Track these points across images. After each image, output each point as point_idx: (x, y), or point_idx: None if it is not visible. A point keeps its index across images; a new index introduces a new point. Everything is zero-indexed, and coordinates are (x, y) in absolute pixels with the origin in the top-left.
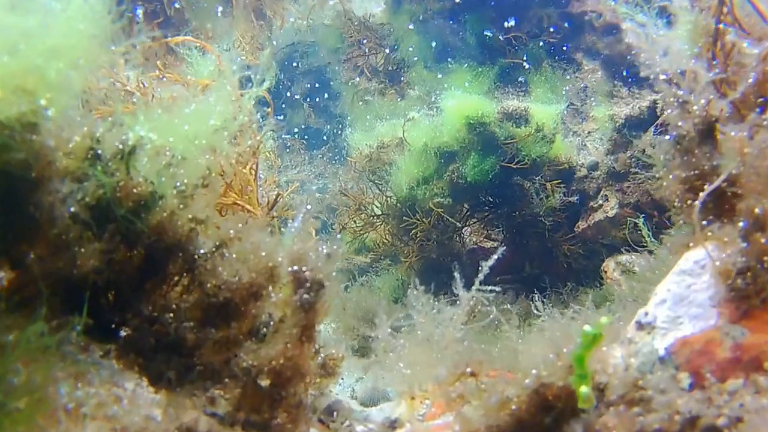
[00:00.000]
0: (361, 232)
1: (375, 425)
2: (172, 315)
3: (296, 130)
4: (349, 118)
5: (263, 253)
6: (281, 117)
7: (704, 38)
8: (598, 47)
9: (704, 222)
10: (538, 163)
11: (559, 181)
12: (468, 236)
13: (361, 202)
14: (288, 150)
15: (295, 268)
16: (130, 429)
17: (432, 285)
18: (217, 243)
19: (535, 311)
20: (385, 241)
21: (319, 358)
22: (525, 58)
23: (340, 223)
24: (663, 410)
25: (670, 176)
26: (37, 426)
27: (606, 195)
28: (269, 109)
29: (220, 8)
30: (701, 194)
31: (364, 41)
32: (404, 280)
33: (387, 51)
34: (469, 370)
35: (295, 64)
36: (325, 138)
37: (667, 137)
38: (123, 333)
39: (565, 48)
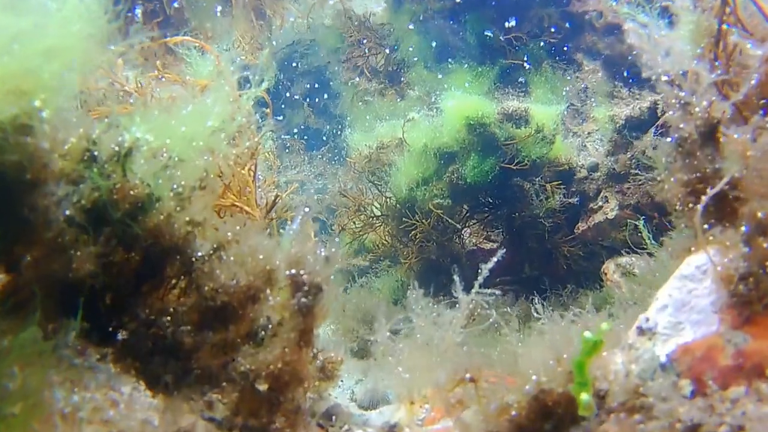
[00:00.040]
0: (361, 233)
1: (374, 430)
2: (169, 318)
3: (295, 130)
4: (348, 118)
5: (261, 256)
6: (280, 117)
7: (706, 39)
8: (598, 47)
9: (706, 226)
10: (537, 164)
11: (559, 182)
12: (468, 237)
13: (360, 203)
14: (287, 150)
15: (293, 271)
16: None
17: (431, 286)
18: (215, 246)
19: (535, 314)
20: (384, 242)
21: (318, 361)
22: (525, 59)
23: (339, 224)
24: (664, 418)
25: (672, 179)
26: (33, 431)
27: (606, 196)
28: (268, 110)
29: (219, 8)
30: (703, 198)
31: (364, 41)
32: (404, 281)
33: (387, 51)
34: (468, 376)
35: (294, 65)
36: (324, 138)
37: (669, 139)
38: (120, 336)
39: (566, 48)
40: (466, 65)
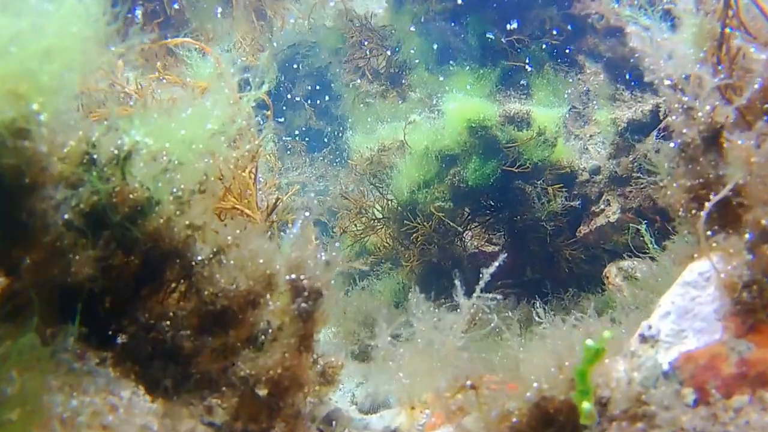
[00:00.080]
0: (362, 235)
1: None
2: (168, 323)
3: (297, 132)
4: (349, 120)
5: (261, 261)
6: (282, 119)
7: (709, 42)
8: (600, 50)
9: (709, 232)
10: (539, 167)
11: (561, 185)
12: (469, 240)
13: (361, 206)
14: (289, 152)
15: (293, 276)
16: None
17: (433, 289)
18: (215, 250)
19: (537, 318)
20: (385, 244)
21: (318, 366)
22: (527, 61)
23: (340, 226)
24: (667, 427)
25: (674, 184)
26: None
27: (608, 200)
28: (269, 112)
29: (220, 9)
30: (707, 205)
31: (365, 43)
32: (405, 283)
33: (388, 53)
34: (469, 383)
35: (295, 66)
36: (325, 140)
37: (671, 144)
38: (120, 340)
39: (568, 51)
40: (467, 67)
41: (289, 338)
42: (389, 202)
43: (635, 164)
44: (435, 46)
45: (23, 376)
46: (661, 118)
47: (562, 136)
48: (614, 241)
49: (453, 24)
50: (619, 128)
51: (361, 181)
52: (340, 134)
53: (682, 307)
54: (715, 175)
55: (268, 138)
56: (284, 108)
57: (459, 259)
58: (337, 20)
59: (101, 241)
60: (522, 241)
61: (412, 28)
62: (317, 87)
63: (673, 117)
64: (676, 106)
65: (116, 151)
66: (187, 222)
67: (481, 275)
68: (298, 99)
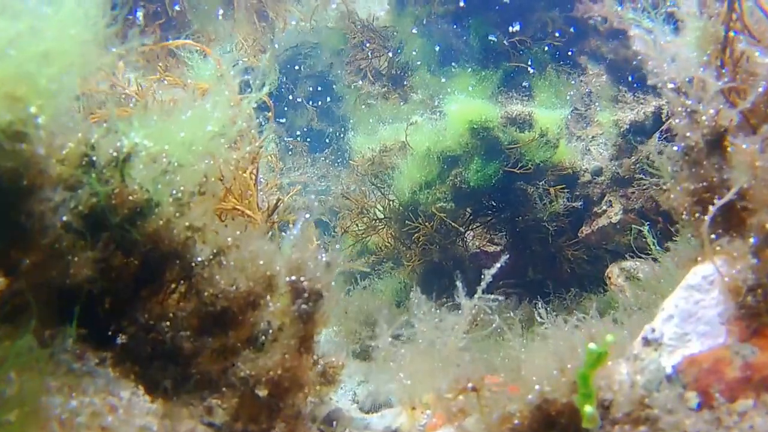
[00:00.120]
0: (363, 235)
1: None
2: (168, 323)
3: (298, 133)
4: (351, 121)
5: (261, 262)
6: (283, 120)
7: (713, 45)
8: (602, 51)
9: (713, 236)
10: (541, 168)
11: (563, 186)
12: (471, 240)
13: (363, 206)
14: (290, 152)
15: (293, 278)
16: None
17: (434, 289)
18: (215, 251)
19: (539, 318)
20: (387, 244)
21: (319, 366)
22: (529, 63)
23: (342, 226)
24: (670, 430)
25: (678, 188)
26: None
27: (610, 201)
28: (270, 114)
29: (221, 11)
30: (711, 208)
31: (367, 44)
32: (406, 283)
33: (390, 54)
34: (470, 385)
35: (297, 67)
36: (327, 141)
37: (675, 148)
38: (120, 340)
39: (570, 53)
40: (469, 69)
41: (290, 339)
42: (391, 202)
43: (637, 165)
44: (437, 48)
45: (21, 377)
46: (664, 119)
47: (564, 137)
48: (616, 241)
49: (455, 26)
50: (622, 130)
51: (363, 182)
52: (342, 135)
53: (686, 311)
54: (719, 178)
55: (269, 139)
56: (286, 108)
57: (460, 259)
58: (339, 21)
59: (100, 243)
60: (524, 241)
61: (414, 30)
62: (319, 88)
63: (677, 120)
64: (680, 109)
65: (115, 153)
66: (186, 223)
67: (482, 276)
68: (299, 100)
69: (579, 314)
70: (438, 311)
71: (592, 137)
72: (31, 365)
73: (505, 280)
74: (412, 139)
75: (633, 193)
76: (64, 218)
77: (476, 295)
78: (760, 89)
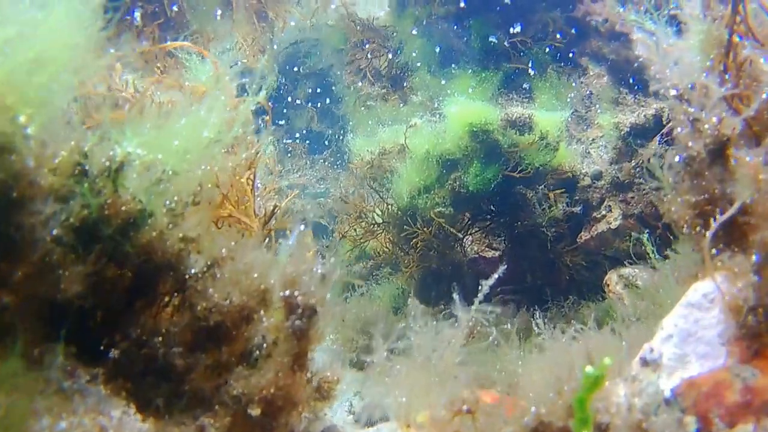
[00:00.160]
0: (361, 240)
1: None
2: (161, 339)
3: (297, 135)
4: (351, 123)
5: (255, 275)
6: (282, 122)
7: (716, 49)
8: (604, 52)
9: (714, 251)
10: (541, 172)
11: (563, 190)
12: (469, 245)
13: (361, 210)
14: (289, 154)
15: (287, 293)
16: None
17: (432, 294)
18: (209, 263)
19: (536, 328)
20: (385, 249)
21: (314, 382)
22: (530, 64)
23: (340, 231)
24: None
25: (679, 200)
26: None
27: (609, 205)
28: (267, 117)
29: (219, 11)
30: (713, 224)
31: (367, 45)
32: (404, 288)
33: (390, 56)
34: (466, 407)
35: (296, 69)
36: (326, 143)
37: (676, 159)
38: (112, 354)
39: (571, 54)
40: (469, 71)
41: (283, 356)
42: (389, 206)
43: (637, 170)
44: (437, 49)
45: (8, 399)
46: (665, 123)
47: (564, 140)
48: (615, 247)
49: (456, 27)
50: (622, 133)
51: (362, 185)
52: (342, 136)
53: (685, 330)
54: (720, 190)
55: (267, 142)
56: (285, 110)
57: (459, 264)
58: (339, 21)
59: (92, 256)
60: (522, 246)
61: (414, 31)
62: (318, 90)
63: (679, 129)
64: (682, 117)
65: (108, 163)
66: (180, 235)
67: (480, 285)
68: (299, 102)
69: (577, 324)
70: (435, 323)
71: (592, 140)
72: (20, 385)
73: (503, 286)
74: (412, 141)
75: (633, 197)
76: (55, 232)
77: (473, 307)
78: (765, 95)
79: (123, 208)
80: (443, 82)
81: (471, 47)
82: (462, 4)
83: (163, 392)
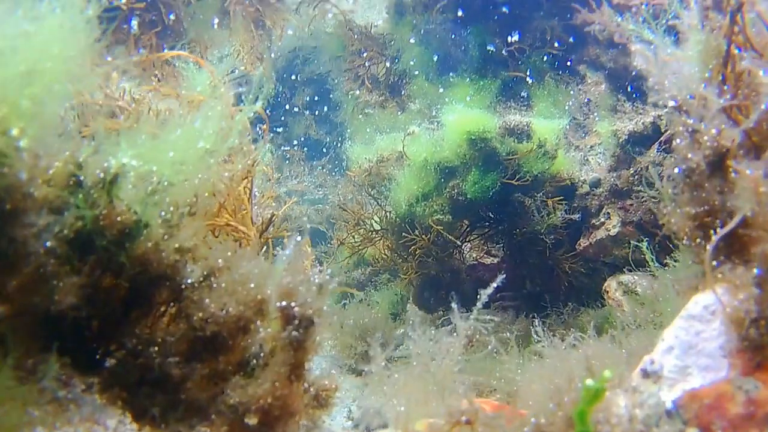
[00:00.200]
0: (360, 247)
1: None
2: (157, 348)
3: (296, 142)
4: (349, 130)
5: (252, 285)
6: (280, 129)
7: (715, 60)
8: (602, 60)
9: (714, 263)
10: (539, 180)
11: (561, 197)
12: (468, 252)
13: (359, 217)
14: (288, 161)
15: (284, 303)
16: None
17: (431, 301)
18: (206, 272)
19: (536, 336)
20: (384, 256)
21: (312, 390)
22: (528, 72)
23: (338, 238)
24: None
25: (678, 212)
26: None
27: (608, 212)
28: (265, 126)
29: (217, 20)
30: (713, 236)
31: (365, 53)
32: (403, 295)
33: (388, 64)
34: (464, 418)
35: (295, 75)
36: (324, 150)
37: (676, 170)
38: (108, 364)
39: (569, 63)
40: (467, 79)
41: (280, 366)
42: (387, 213)
43: (636, 177)
44: (435, 57)
45: (1, 410)
46: (663, 131)
47: (562, 147)
48: (614, 254)
49: (453, 35)
50: (620, 140)
51: (360, 192)
52: (340, 143)
53: (687, 342)
54: (720, 201)
55: (264, 150)
56: (282, 118)
57: (457, 271)
58: (338, 29)
59: (86, 267)
60: (521, 253)
61: (412, 40)
62: (316, 97)
63: (678, 141)
64: (681, 129)
65: (102, 175)
66: (176, 245)
67: (478, 294)
68: (296, 109)
69: (576, 332)
70: (433, 332)
71: (591, 147)
72: (12, 396)
73: (502, 293)
74: (410, 149)
75: (631, 205)
76: (48, 244)
77: (472, 316)
78: (764, 106)
79: (118, 218)
80: (441, 90)
81: (469, 55)
82: (460, 13)
83: (159, 402)
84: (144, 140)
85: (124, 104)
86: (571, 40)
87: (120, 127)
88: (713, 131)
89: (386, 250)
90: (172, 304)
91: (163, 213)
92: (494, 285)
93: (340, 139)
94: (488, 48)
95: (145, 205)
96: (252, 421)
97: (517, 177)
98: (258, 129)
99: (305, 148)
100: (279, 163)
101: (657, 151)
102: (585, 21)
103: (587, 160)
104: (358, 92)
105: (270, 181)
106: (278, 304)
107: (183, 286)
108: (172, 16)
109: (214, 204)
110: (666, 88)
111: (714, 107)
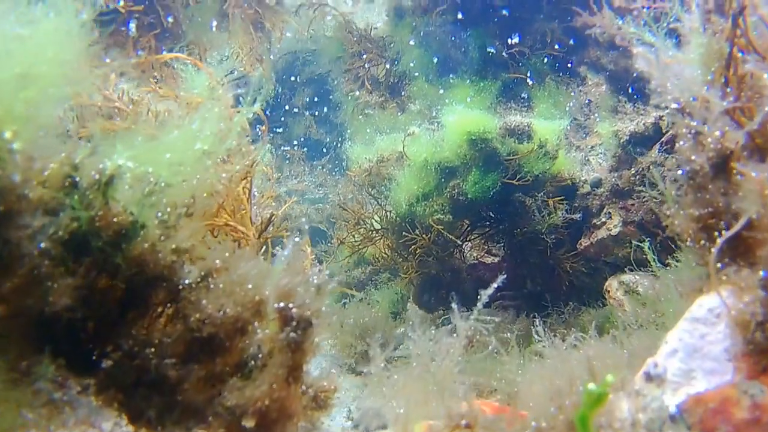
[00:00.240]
0: (360, 246)
1: None
2: (153, 350)
3: (295, 142)
4: (349, 131)
5: (250, 286)
6: (280, 129)
7: (717, 62)
8: (602, 62)
9: (719, 265)
10: (540, 180)
11: (562, 197)
12: (468, 251)
13: (360, 217)
14: (288, 161)
15: (282, 305)
16: None
17: (432, 300)
18: (203, 274)
19: (536, 336)
20: (384, 255)
21: (311, 391)
22: (528, 74)
23: (338, 237)
24: None
25: (682, 213)
26: None
27: (609, 212)
28: (264, 127)
29: (215, 22)
30: (718, 239)
31: (364, 55)
32: (403, 294)
33: (388, 66)
34: (464, 422)
35: (295, 76)
36: (324, 150)
37: (680, 172)
38: (104, 365)
39: (570, 64)
40: (468, 80)
41: (278, 369)
42: (388, 213)
43: (637, 177)
44: (435, 59)
45: None
46: (664, 131)
47: (563, 148)
48: (615, 254)
49: (453, 37)
50: (621, 141)
51: (360, 192)
52: (340, 143)
53: (691, 345)
54: (724, 203)
55: (264, 150)
56: (282, 119)
57: (458, 270)
58: (338, 31)
59: (82, 268)
60: (522, 253)
61: (412, 42)
62: (316, 98)
63: (681, 143)
64: (684, 131)
65: (98, 176)
66: (173, 246)
67: (479, 293)
68: (296, 109)
69: (577, 331)
70: (433, 331)
71: (591, 147)
72: (6, 398)
73: (502, 292)
74: (410, 149)
75: (633, 205)
76: (42, 245)
77: (472, 316)
78: (767, 108)
79: (114, 220)
80: (441, 91)
81: (469, 57)
82: (460, 15)
83: (156, 404)
84: (140, 142)
85: (122, 106)
86: (571, 42)
87: (117, 129)
88: (717, 133)
89: (386, 250)
90: (169, 305)
91: (159, 214)
92: (495, 285)
93: (340, 139)
94: (488, 50)
95: (142, 206)
96: (249, 423)
97: (517, 177)
98: (257, 130)
99: (305, 148)
100: (279, 163)
101: (658, 152)
102: (585, 24)
103: (588, 160)
104: (358, 93)
105: (270, 180)
106: (276, 305)
107: (180, 287)
108: (170, 19)
109: (212, 204)
110: (668, 90)
111: (717, 109)
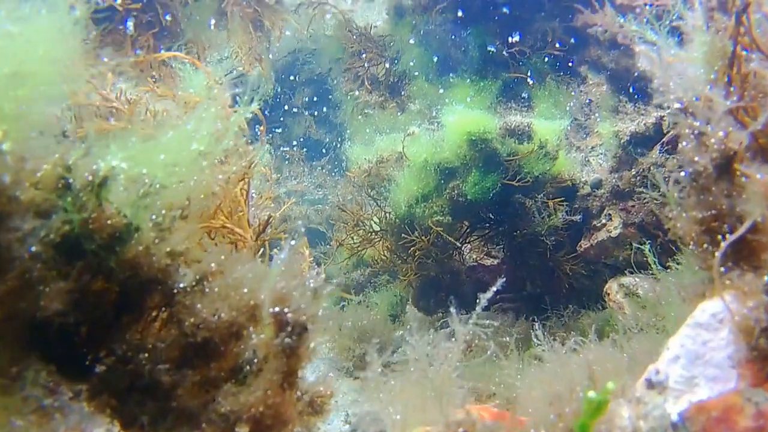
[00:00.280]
0: (359, 248)
1: None
2: (147, 355)
3: (295, 143)
4: (348, 131)
5: (245, 290)
6: (279, 130)
7: (720, 61)
8: (603, 61)
9: (722, 269)
10: (540, 181)
11: (562, 198)
12: (468, 253)
13: (359, 218)
14: (287, 161)
15: (277, 309)
16: None
17: (431, 302)
18: (198, 277)
19: (536, 340)
20: (383, 257)
21: (307, 396)
22: (529, 73)
23: (337, 239)
24: None
25: (685, 216)
26: None
27: (609, 214)
28: (262, 128)
29: (213, 20)
30: (721, 242)
31: (364, 54)
32: (402, 296)
33: (387, 65)
34: (462, 430)
35: (294, 75)
36: (324, 150)
37: (683, 174)
38: (98, 369)
39: (570, 63)
40: (468, 80)
41: (272, 374)
42: (387, 214)
43: (638, 178)
44: (435, 58)
45: None
46: (665, 131)
47: (563, 148)
48: (615, 256)
49: (453, 36)
50: (622, 141)
51: (359, 193)
52: (339, 144)
53: (693, 352)
54: (728, 205)
55: (263, 151)
56: (282, 119)
57: (457, 272)
58: (337, 30)
59: (74, 272)
60: (521, 255)
61: (412, 41)
62: (315, 98)
63: (684, 143)
64: (687, 131)
65: (91, 177)
66: (168, 249)
67: (478, 297)
68: (296, 109)
69: (577, 335)
70: (432, 335)
71: (592, 148)
72: None
73: (502, 294)
74: (409, 150)
75: (633, 206)
76: (33, 249)
77: (471, 321)
78: None
79: (108, 222)
80: (441, 90)
81: (469, 56)
82: (460, 14)
83: (149, 409)
84: (135, 142)
85: (119, 105)
86: (572, 41)
87: (112, 129)
88: (720, 134)
89: (385, 252)
90: (163, 309)
91: (154, 216)
92: (494, 289)
93: (339, 139)
94: (489, 49)
95: (136, 208)
96: (243, 430)
97: (517, 178)
98: (256, 130)
99: (305, 149)
100: (278, 163)
101: (659, 153)
102: (587, 22)
103: (588, 161)
104: (357, 93)
105: (269, 181)
106: (271, 309)
107: (175, 291)
108: (168, 17)
109: (208, 206)
110: (671, 89)
111: (720, 109)
